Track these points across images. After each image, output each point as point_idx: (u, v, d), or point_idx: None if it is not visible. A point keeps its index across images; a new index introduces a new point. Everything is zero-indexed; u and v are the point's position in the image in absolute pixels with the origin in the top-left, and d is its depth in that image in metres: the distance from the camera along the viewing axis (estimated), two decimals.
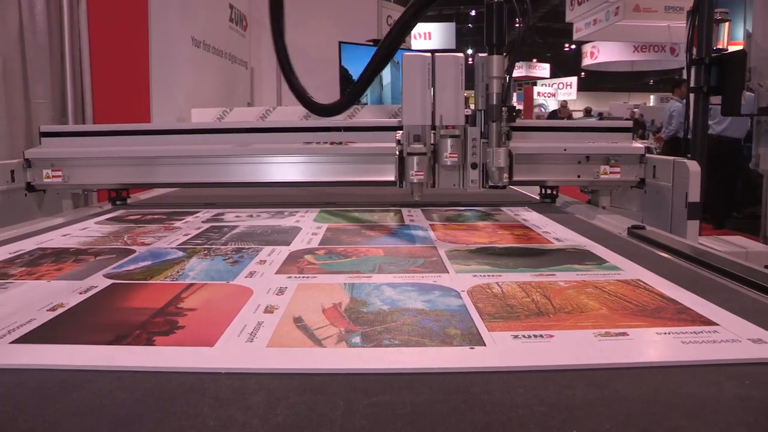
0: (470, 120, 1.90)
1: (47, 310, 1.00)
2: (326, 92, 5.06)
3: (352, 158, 2.28)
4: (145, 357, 0.81)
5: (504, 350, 0.81)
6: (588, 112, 16.76)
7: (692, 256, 1.38)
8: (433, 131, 1.90)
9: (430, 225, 1.82)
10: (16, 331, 0.90)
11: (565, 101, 17.19)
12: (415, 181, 1.88)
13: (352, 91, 2.11)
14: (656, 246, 1.52)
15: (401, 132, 1.91)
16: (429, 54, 1.93)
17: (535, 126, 2.43)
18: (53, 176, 2.28)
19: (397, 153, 1.91)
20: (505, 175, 1.88)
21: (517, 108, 1.99)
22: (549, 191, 2.35)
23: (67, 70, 3.31)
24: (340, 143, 2.28)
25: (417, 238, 1.62)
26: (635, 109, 15.61)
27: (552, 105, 25.78)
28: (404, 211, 2.08)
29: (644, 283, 1.13)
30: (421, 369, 0.76)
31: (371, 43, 6.58)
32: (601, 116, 14.35)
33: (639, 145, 2.33)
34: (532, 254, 1.41)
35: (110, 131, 2.40)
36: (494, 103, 1.84)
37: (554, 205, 2.28)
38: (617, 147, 2.27)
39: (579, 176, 2.27)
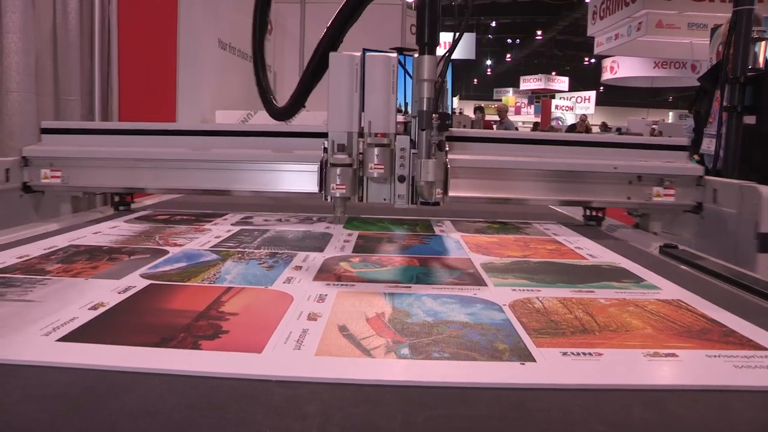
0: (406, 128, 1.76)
1: (88, 309, 1.01)
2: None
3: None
4: (193, 361, 0.81)
5: (555, 367, 0.81)
6: (605, 127, 16.69)
7: (729, 278, 1.36)
8: (362, 139, 1.75)
9: (461, 236, 1.81)
10: (60, 329, 0.91)
11: (584, 115, 17.10)
12: (337, 195, 1.72)
13: (295, 96, 1.95)
14: (690, 266, 1.51)
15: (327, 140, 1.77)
16: (358, 54, 1.77)
17: (580, 141, 2.24)
18: (52, 177, 2.12)
19: (320, 162, 1.76)
20: (438, 190, 1.72)
21: (451, 114, 1.82)
22: (594, 213, 2.16)
23: (96, 68, 3.34)
24: None
25: (450, 249, 1.61)
26: (654, 126, 15.54)
27: (570, 119, 25.72)
28: (433, 221, 2.07)
29: (685, 303, 1.12)
30: (474, 383, 0.76)
31: (394, 51, 6.59)
32: (619, 131, 14.27)
33: (696, 165, 2.16)
34: (568, 270, 1.40)
35: (116, 130, 2.28)
36: (424, 109, 1.65)
37: (598, 231, 2.07)
38: (673, 167, 2.07)
39: (629, 197, 2.07)
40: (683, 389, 0.76)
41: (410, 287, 1.21)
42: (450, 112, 1.80)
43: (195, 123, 4.28)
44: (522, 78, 29.38)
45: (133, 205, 2.25)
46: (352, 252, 1.55)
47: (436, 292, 1.17)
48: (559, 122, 25.48)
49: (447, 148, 1.81)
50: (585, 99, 28.09)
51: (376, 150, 1.72)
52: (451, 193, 2.00)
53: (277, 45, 6.58)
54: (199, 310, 1.02)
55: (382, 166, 1.72)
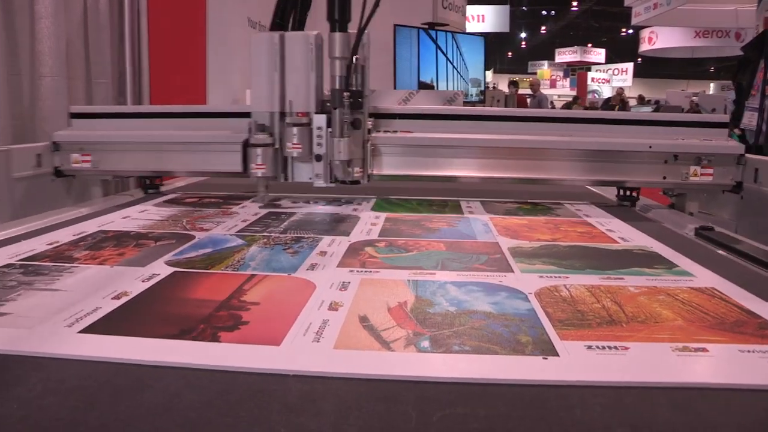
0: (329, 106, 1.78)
1: (112, 298, 1.01)
2: (381, 75, 5.04)
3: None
4: (212, 354, 0.80)
5: (578, 362, 0.78)
6: (642, 100, 16.32)
7: None
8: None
9: (490, 218, 1.78)
10: (83, 320, 0.91)
11: (621, 89, 16.71)
12: (259, 174, 1.79)
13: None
14: (728, 250, 1.46)
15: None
16: (277, 33, 1.79)
17: (614, 119, 2.16)
18: (82, 161, 2.14)
19: (242, 142, 1.83)
20: (357, 169, 1.78)
21: (364, 92, 1.81)
22: (628, 193, 2.10)
23: (127, 51, 3.35)
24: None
25: (478, 232, 1.58)
26: (694, 98, 15.14)
27: (606, 91, 25.23)
28: (463, 202, 2.04)
29: (719, 291, 1.08)
30: (494, 380, 0.74)
31: (426, 26, 6.51)
32: (657, 105, 13.94)
33: (736, 143, 2.07)
34: (598, 255, 1.37)
35: (143, 113, 2.31)
36: (336, 87, 1.72)
37: (633, 212, 2.00)
38: (711, 145, 1.98)
39: (665, 177, 2.00)
40: (713, 388, 0.73)
41: (435, 273, 1.19)
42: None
43: (225, 103, 4.30)
44: (557, 50, 28.84)
45: (162, 188, 2.27)
46: (378, 236, 1.53)
47: (461, 279, 1.15)
48: (596, 95, 25.02)
49: (370, 125, 1.89)
50: (622, 71, 27.52)
51: (294, 130, 1.77)
52: (476, 173, 2.03)
53: (308, 25, 6.54)
54: (221, 300, 1.01)
55: (300, 146, 1.76)
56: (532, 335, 0.87)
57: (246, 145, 1.84)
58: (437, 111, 2.11)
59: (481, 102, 7.38)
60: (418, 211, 1.90)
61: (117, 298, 1.02)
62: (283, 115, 1.82)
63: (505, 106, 9.40)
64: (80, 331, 0.87)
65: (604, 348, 0.82)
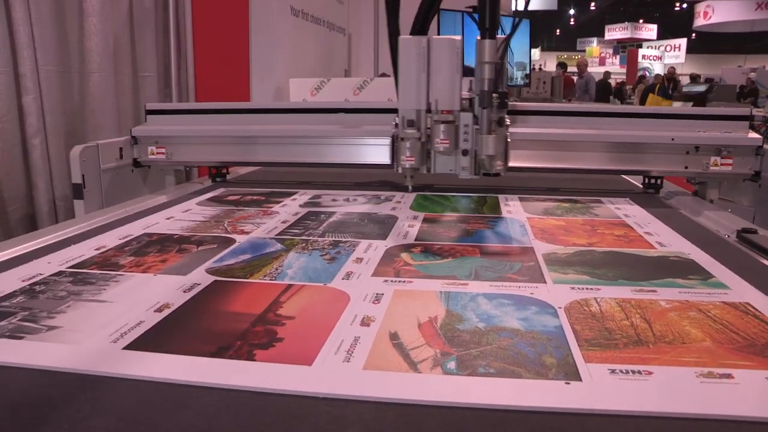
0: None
1: (155, 311, 1.06)
2: None
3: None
4: (247, 375, 0.84)
5: (600, 388, 0.80)
6: (694, 79, 15.81)
7: None
8: (429, 115, 1.89)
9: (528, 218, 1.79)
10: (127, 335, 0.96)
11: (672, 68, 16.25)
12: (407, 165, 1.91)
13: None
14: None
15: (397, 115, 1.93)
16: (425, 37, 1.89)
17: (639, 113, 2.31)
18: (157, 153, 2.40)
19: (391, 136, 1.97)
20: (499, 162, 1.87)
21: (509, 93, 1.94)
22: (653, 180, 2.26)
23: (172, 45, 3.43)
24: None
25: (514, 236, 1.59)
26: (751, 74, 14.64)
27: (657, 68, 24.59)
28: (501, 199, 2.06)
29: (753, 308, 1.08)
30: (514, 407, 0.76)
31: (470, 10, 6.43)
32: (711, 84, 13.49)
33: (755, 135, 2.17)
34: (633, 263, 1.36)
35: (211, 109, 2.50)
36: (485, 89, 1.81)
37: (657, 197, 2.19)
38: (730, 137, 2.13)
39: (686, 167, 2.16)
40: (736, 420, 0.74)
41: (467, 284, 1.21)
42: (507, 85, 1.94)
43: (269, 94, 4.35)
44: (607, 27, 28.19)
45: (228, 177, 2.54)
46: (415, 239, 1.56)
47: (493, 291, 1.17)
48: (647, 72, 24.40)
49: (508, 123, 1.95)
50: (674, 47, 26.75)
51: (441, 126, 1.88)
52: (511, 164, 2.10)
53: (352, 6, 6.55)
54: (257, 313, 1.05)
55: (448, 141, 1.88)
56: (557, 357, 0.88)
57: (394, 140, 2.00)
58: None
59: (527, 86, 7.27)
60: (456, 210, 1.92)
61: (159, 311, 1.07)
62: (428, 111, 1.93)
63: (551, 88, 9.26)
64: (125, 348, 0.92)
65: (627, 372, 0.83)
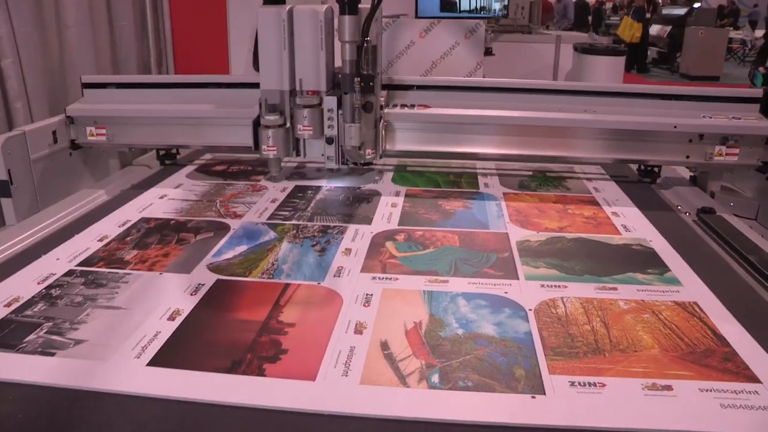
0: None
1: (167, 319, 1.18)
2: None
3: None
4: (260, 392, 0.97)
5: (561, 402, 0.95)
6: (675, 0, 15.40)
7: (758, 267, 1.42)
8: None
9: (504, 194, 1.90)
10: (148, 349, 1.09)
11: None
12: (270, 156, 1.82)
13: None
14: (723, 241, 1.58)
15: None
16: (285, 7, 1.75)
17: (637, 92, 2.08)
18: (97, 134, 2.16)
19: (252, 120, 1.83)
20: (369, 150, 1.81)
21: (376, 72, 1.81)
22: (649, 167, 2.09)
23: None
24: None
25: (490, 219, 1.71)
26: None
27: None
28: (480, 175, 2.13)
29: (700, 309, 1.22)
30: (488, 422, 0.91)
31: None
32: (690, 8, 13.16)
33: (766, 123, 1.97)
34: (598, 253, 1.50)
35: (157, 84, 2.30)
36: (347, 71, 1.72)
37: (652, 189, 2.03)
38: (739, 126, 1.93)
39: (688, 156, 1.98)
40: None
41: (448, 281, 1.34)
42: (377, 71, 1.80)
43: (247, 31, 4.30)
44: None
45: (178, 158, 2.32)
46: (398, 223, 1.67)
47: (472, 289, 1.30)
48: None
49: (383, 101, 1.91)
50: None
51: (305, 111, 1.79)
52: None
53: None
54: (261, 320, 1.18)
55: (311, 127, 1.80)
56: (526, 368, 1.03)
57: (257, 124, 1.85)
58: (454, 83, 2.18)
59: (505, 17, 7.18)
60: (436, 183, 2.02)
61: (172, 318, 1.19)
62: (293, 92, 1.83)
63: (530, 14, 9.10)
64: (148, 364, 1.04)
65: (585, 385, 0.98)
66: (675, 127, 1.95)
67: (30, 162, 1.91)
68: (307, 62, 1.79)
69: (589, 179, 2.07)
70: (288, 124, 1.84)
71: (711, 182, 2.09)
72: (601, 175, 2.12)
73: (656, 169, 2.09)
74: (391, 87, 2.08)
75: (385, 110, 1.99)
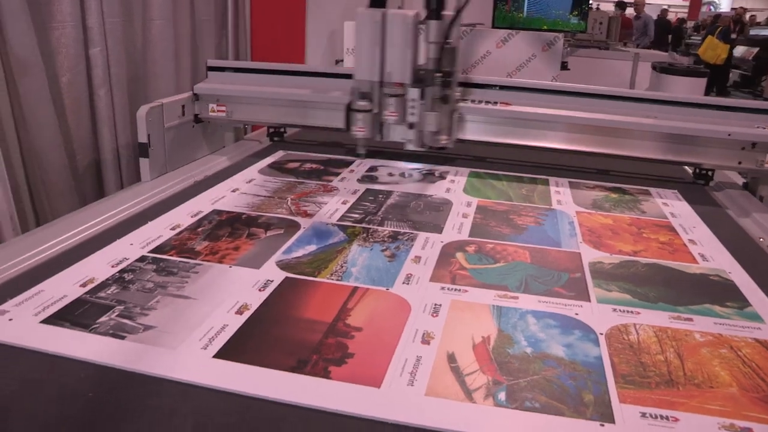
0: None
1: (235, 313, 1.20)
2: (482, 7, 4.94)
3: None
4: (324, 394, 0.98)
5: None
6: None
7: None
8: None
9: (576, 212, 1.87)
10: (215, 341, 1.10)
11: (742, 8, 15.45)
12: (359, 136, 2.07)
13: None
14: None
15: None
16: (380, 10, 2.00)
17: (698, 102, 2.23)
18: (218, 110, 2.50)
19: (345, 104, 2.08)
20: (444, 136, 2.07)
21: (454, 70, 2.08)
22: (704, 171, 2.28)
23: None
24: None
25: (563, 236, 1.68)
26: None
27: (724, 4, 23.50)
28: (551, 182, 2.16)
29: None
30: None
31: None
32: None
33: None
34: (674, 280, 1.45)
35: (267, 69, 2.56)
36: (430, 67, 1.99)
37: (706, 190, 2.22)
38: None
39: (740, 162, 2.17)
40: None
41: (518, 297, 1.32)
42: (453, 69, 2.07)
43: (323, 35, 4.38)
44: None
45: (285, 136, 2.68)
46: (469, 234, 1.66)
47: (542, 308, 1.28)
48: (711, 8, 23.37)
49: (458, 95, 2.19)
50: None
51: (391, 99, 2.04)
52: (560, 146, 2.27)
53: None
54: (329, 322, 1.18)
55: (396, 114, 2.04)
56: (595, 393, 1.00)
57: (349, 109, 2.10)
58: (523, 84, 2.35)
59: (582, 31, 7.09)
60: (507, 195, 2.00)
61: (240, 312, 1.20)
62: (381, 83, 2.07)
63: (608, 29, 8.96)
64: (214, 356, 1.06)
65: (656, 417, 0.95)
66: (729, 135, 2.12)
67: (164, 130, 2.26)
68: (396, 58, 2.03)
69: (665, 204, 2.01)
70: (375, 110, 2.08)
71: (761, 187, 2.23)
72: (678, 199, 2.06)
73: (710, 173, 2.27)
74: (467, 85, 2.33)
75: (460, 104, 2.26)
